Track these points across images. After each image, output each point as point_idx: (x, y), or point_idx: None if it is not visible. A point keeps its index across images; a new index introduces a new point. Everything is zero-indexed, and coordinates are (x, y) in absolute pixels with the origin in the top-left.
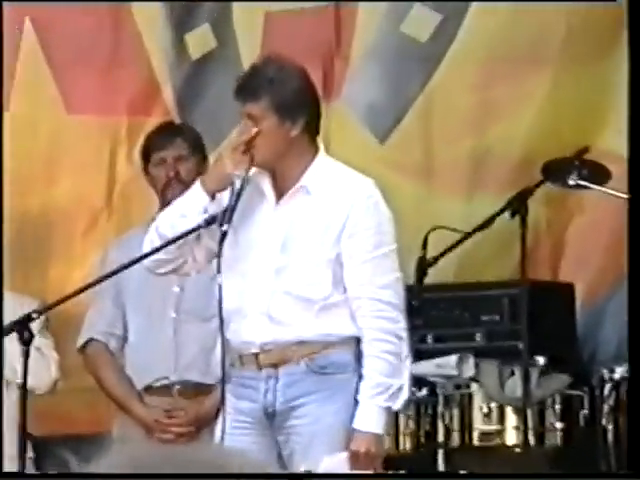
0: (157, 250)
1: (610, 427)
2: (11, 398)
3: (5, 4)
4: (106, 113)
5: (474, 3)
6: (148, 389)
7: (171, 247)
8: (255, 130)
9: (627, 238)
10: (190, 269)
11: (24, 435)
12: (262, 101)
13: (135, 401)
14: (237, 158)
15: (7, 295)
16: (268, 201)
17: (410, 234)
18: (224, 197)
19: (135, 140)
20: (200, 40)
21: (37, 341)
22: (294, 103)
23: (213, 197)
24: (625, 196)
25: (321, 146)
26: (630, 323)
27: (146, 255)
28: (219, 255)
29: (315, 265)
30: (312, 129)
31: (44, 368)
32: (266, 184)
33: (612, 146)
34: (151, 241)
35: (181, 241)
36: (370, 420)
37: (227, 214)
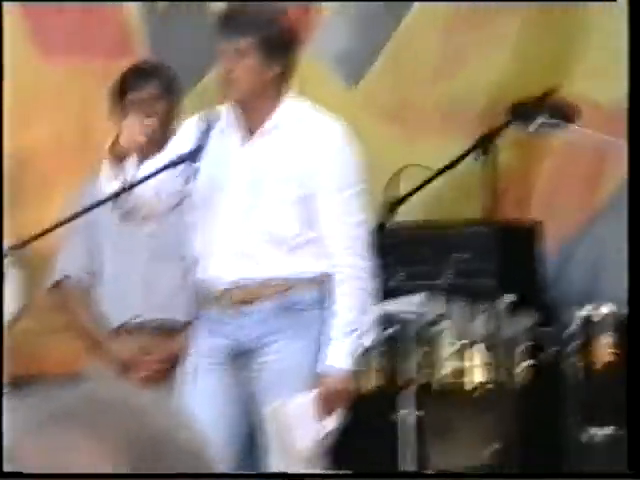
0: (124, 190)
1: (577, 364)
2: None
3: (5, 4)
4: (80, 56)
5: None
6: (122, 327)
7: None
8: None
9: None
10: (157, 211)
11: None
12: (249, 36)
13: (108, 339)
14: None
15: None
16: (235, 139)
17: (380, 175)
18: (192, 134)
19: (108, 82)
20: None
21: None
22: (278, 43)
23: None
24: (595, 137)
25: (292, 88)
26: (630, 325)
27: (117, 193)
28: (188, 194)
29: (285, 204)
30: (289, 71)
31: (12, 295)
32: (234, 122)
33: (579, 89)
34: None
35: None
36: (341, 357)
37: (197, 152)
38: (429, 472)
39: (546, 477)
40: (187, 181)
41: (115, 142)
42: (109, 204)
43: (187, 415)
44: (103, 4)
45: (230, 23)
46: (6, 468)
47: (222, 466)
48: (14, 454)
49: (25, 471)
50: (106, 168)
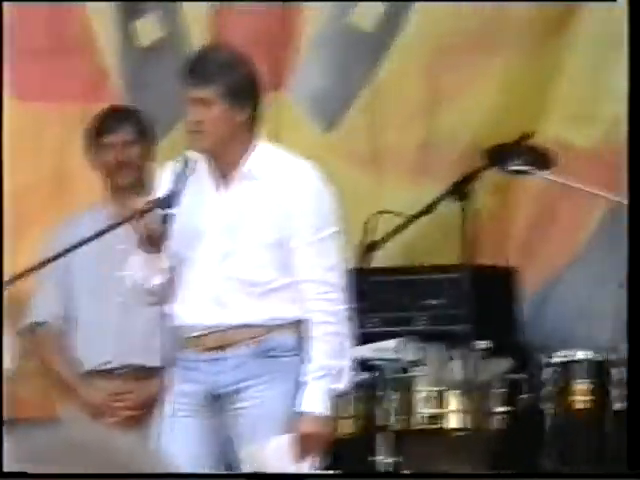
0: (104, 232)
1: (550, 410)
2: None
3: (5, 4)
4: (57, 100)
5: None
6: (95, 372)
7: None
8: None
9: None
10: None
11: None
12: (213, 85)
13: (82, 384)
14: None
15: None
16: (209, 186)
17: (357, 220)
18: (167, 180)
19: (83, 125)
20: (149, 28)
21: None
22: (243, 89)
23: None
24: (569, 182)
25: (262, 133)
26: (630, 326)
27: (91, 237)
28: (163, 239)
29: (260, 249)
30: (256, 116)
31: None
32: (206, 169)
33: (556, 134)
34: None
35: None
36: (316, 402)
37: (172, 197)
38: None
39: (546, 477)
40: (162, 224)
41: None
42: (83, 248)
43: (163, 456)
44: (76, 49)
45: (195, 72)
46: None
47: None
48: None
49: None
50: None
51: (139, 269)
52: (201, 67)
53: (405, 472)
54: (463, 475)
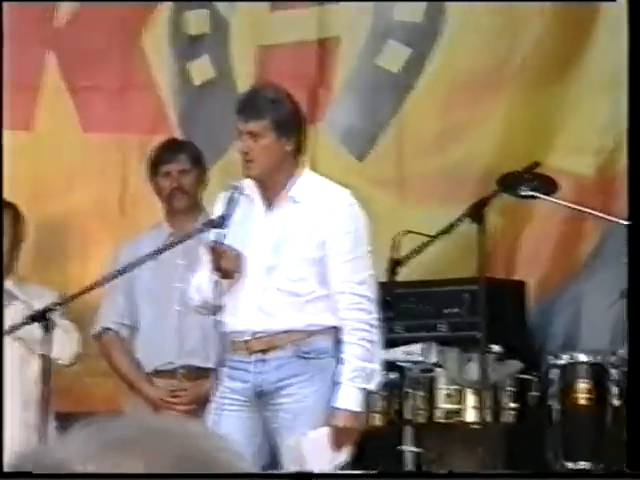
0: (163, 250)
1: (556, 407)
2: (33, 371)
3: (5, 4)
4: (119, 131)
5: (439, 42)
6: (156, 372)
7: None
8: None
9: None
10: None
11: (47, 405)
12: (264, 119)
13: (144, 382)
14: None
15: (32, 287)
16: (258, 209)
17: (385, 239)
18: (219, 204)
19: (144, 155)
20: (200, 69)
21: (59, 323)
22: (290, 122)
23: None
24: (571, 205)
25: (306, 162)
26: (630, 329)
27: (153, 254)
28: (236, 271)
29: (302, 265)
30: (300, 147)
31: (67, 342)
32: (256, 194)
33: (560, 163)
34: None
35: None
36: (349, 399)
37: (224, 219)
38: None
39: (546, 477)
40: (237, 261)
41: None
42: (147, 263)
43: (226, 439)
44: (136, 87)
45: (246, 108)
46: None
47: None
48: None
49: None
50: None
51: (207, 288)
52: (252, 104)
53: (405, 472)
54: (463, 475)
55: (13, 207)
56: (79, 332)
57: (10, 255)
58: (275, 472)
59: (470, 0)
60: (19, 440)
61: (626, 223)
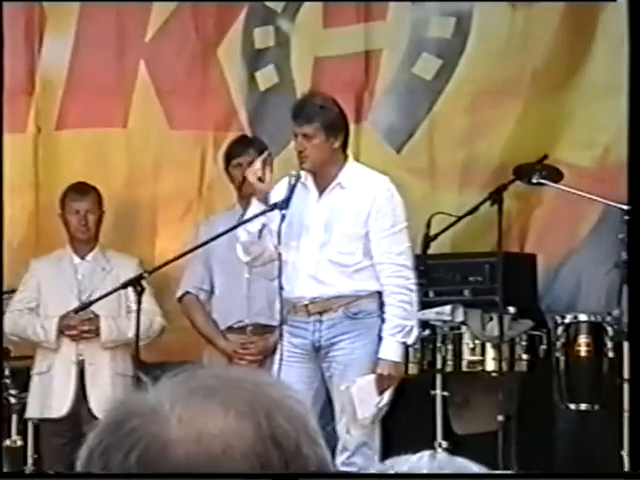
0: (235, 227)
1: (561, 358)
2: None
3: (5, 4)
4: (198, 128)
5: (465, 54)
6: (228, 329)
7: (254, 241)
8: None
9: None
10: (268, 258)
11: (138, 356)
12: (314, 123)
13: (219, 337)
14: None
15: (126, 258)
16: (312, 194)
17: (419, 219)
18: (281, 190)
19: (218, 149)
20: (266, 76)
21: (145, 300)
22: (336, 124)
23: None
24: (574, 191)
25: (350, 154)
26: (630, 334)
27: (227, 231)
28: (279, 233)
29: (349, 240)
30: (345, 142)
31: (147, 324)
32: (310, 182)
33: (564, 156)
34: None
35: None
36: (391, 351)
37: (285, 202)
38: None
39: (546, 477)
40: (279, 222)
41: (243, 183)
42: (221, 239)
43: (290, 388)
44: (212, 91)
45: (299, 114)
46: (155, 430)
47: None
48: (167, 419)
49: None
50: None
51: (250, 242)
52: (304, 110)
53: (404, 472)
54: (463, 475)
55: (96, 190)
56: (161, 302)
57: (96, 229)
58: (271, 472)
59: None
60: (112, 387)
61: (625, 207)
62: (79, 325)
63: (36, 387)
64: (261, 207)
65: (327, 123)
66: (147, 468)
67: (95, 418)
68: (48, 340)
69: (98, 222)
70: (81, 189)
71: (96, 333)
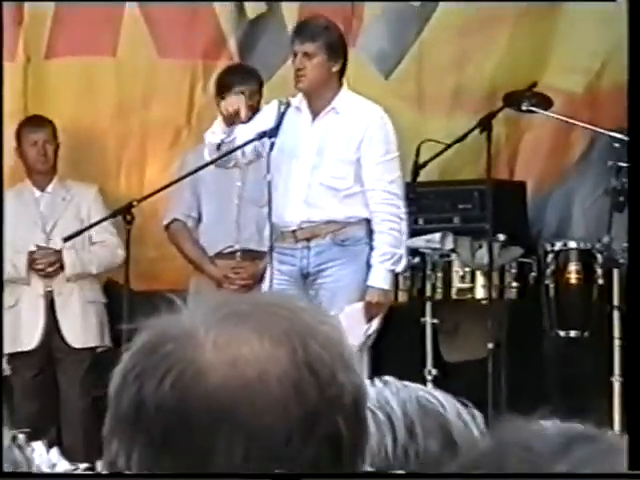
0: (223, 156)
1: (551, 285)
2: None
3: (5, 4)
4: (187, 57)
5: None
6: (217, 255)
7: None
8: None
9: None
10: (242, 162)
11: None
12: (317, 42)
13: (207, 263)
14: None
15: (85, 186)
16: (306, 118)
17: (408, 146)
18: (270, 117)
19: (208, 77)
20: (254, 5)
21: (107, 231)
22: (338, 47)
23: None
24: (563, 118)
25: (345, 82)
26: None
27: (215, 159)
28: (268, 160)
29: (341, 164)
30: (343, 69)
31: (109, 257)
32: (304, 106)
33: (554, 82)
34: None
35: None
36: (380, 279)
37: (274, 130)
38: (432, 472)
39: (546, 477)
40: (267, 150)
41: (224, 111)
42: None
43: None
44: (201, 20)
45: (302, 32)
46: (191, 354)
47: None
48: (202, 344)
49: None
50: (217, 126)
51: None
52: (307, 28)
53: (402, 472)
54: (464, 475)
55: (51, 123)
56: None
57: (54, 160)
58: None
59: None
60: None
61: (625, 138)
62: (43, 258)
63: (5, 322)
64: (246, 131)
65: (330, 44)
66: (181, 393)
67: (69, 347)
68: (19, 276)
69: (55, 153)
70: (37, 121)
71: (61, 267)
